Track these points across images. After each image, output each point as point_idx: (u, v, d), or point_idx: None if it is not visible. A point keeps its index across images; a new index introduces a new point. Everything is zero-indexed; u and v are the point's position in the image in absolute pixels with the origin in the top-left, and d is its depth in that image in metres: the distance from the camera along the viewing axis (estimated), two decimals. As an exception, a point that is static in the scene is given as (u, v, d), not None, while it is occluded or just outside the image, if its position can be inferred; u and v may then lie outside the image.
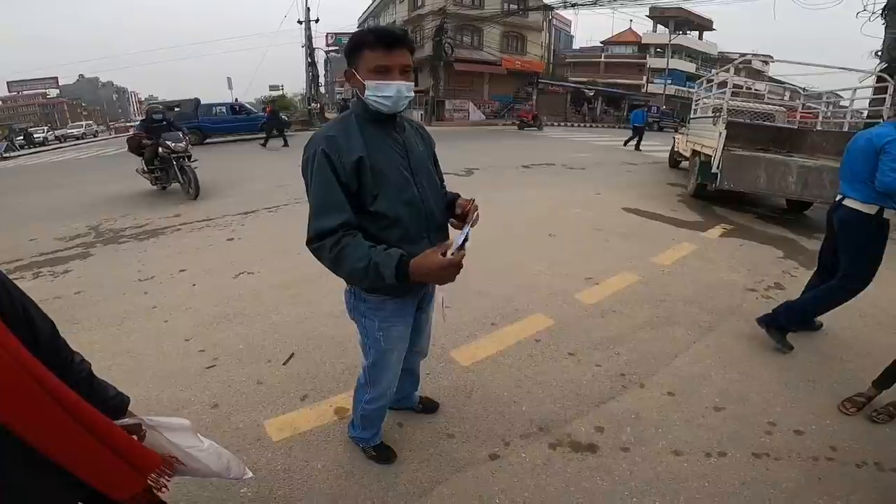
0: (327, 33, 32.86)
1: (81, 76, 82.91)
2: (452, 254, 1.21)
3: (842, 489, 1.74)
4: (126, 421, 0.98)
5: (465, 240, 1.29)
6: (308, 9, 24.42)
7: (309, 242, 1.28)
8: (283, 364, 2.49)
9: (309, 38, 25.37)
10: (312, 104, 24.66)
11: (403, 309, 1.54)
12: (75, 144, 24.52)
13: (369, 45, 1.26)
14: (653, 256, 4.13)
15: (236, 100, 20.09)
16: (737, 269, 3.96)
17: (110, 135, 34.54)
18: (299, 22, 24.81)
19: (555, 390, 2.30)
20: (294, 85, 55.06)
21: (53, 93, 60.96)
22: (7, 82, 53.17)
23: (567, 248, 4.33)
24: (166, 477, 0.97)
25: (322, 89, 22.38)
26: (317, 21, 25.00)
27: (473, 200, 1.50)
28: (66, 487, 0.84)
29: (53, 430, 0.77)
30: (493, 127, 21.13)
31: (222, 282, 3.63)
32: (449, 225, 1.55)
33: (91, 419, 0.83)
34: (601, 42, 41.73)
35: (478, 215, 1.47)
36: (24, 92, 59.10)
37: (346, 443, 1.94)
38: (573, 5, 20.34)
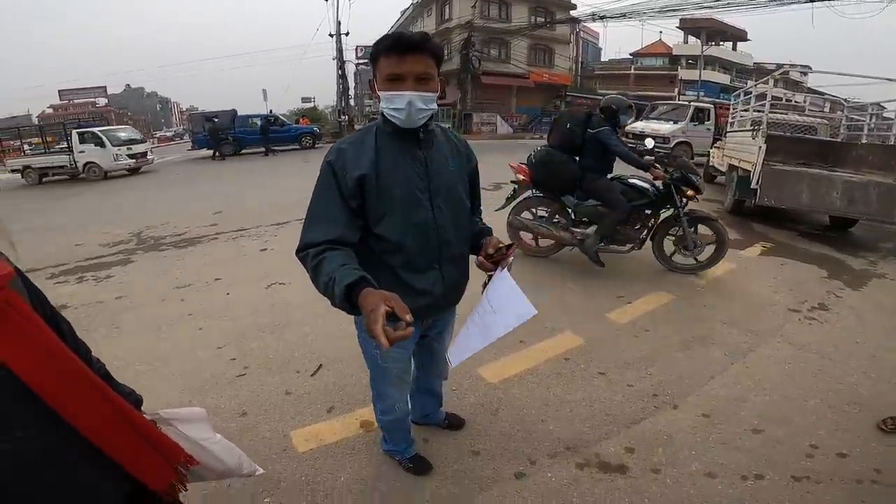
0: (356, 46, 33.79)
1: (128, 86, 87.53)
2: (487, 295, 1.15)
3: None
4: (145, 416, 1.00)
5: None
6: (339, 22, 25.19)
7: (296, 252, 1.22)
8: (312, 375, 2.52)
9: (339, 50, 26.13)
10: (342, 116, 25.29)
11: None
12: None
13: (384, 52, 1.17)
14: (687, 277, 4.00)
15: (270, 111, 20.79)
16: (778, 289, 3.79)
17: (153, 143, 36.02)
18: (330, 35, 25.62)
19: (584, 410, 2.24)
20: (325, 97, 56.71)
21: (102, 101, 64.62)
22: (59, 91, 56.56)
23: (599, 266, 4.25)
24: (187, 469, 0.98)
25: (352, 102, 22.94)
26: (347, 34, 25.75)
27: (513, 245, 1.38)
28: (114, 480, 0.87)
29: (101, 417, 0.81)
30: (521, 140, 21.09)
31: (255, 291, 3.72)
32: (476, 263, 1.41)
33: (125, 406, 0.87)
34: (630, 54, 41.30)
35: (511, 262, 1.35)
36: (75, 101, 62.83)
37: (371, 456, 1.94)
38: (601, 18, 20.23)
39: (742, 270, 4.20)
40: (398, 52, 1.15)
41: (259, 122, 17.71)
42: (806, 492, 1.75)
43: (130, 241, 5.56)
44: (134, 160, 13.42)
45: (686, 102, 15.43)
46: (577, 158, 3.91)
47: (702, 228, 3.89)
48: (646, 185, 3.86)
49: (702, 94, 29.60)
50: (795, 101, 9.81)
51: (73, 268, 4.57)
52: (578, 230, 3.99)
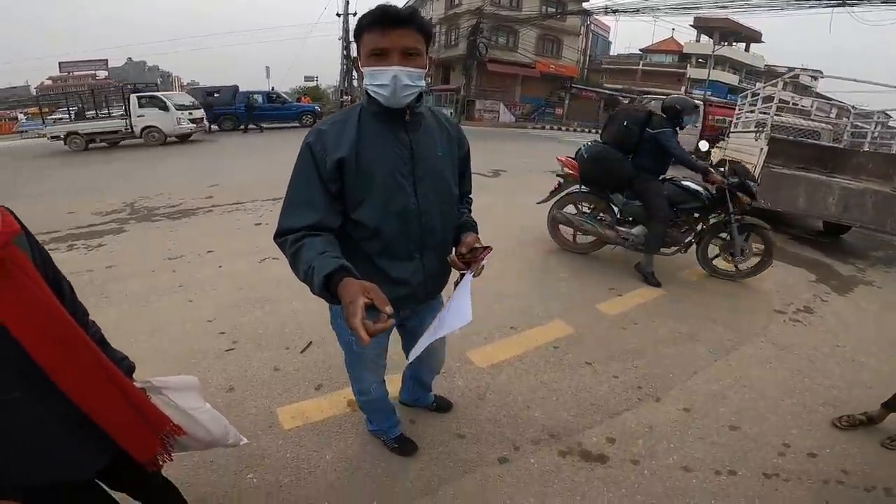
0: (363, 26, 33.21)
1: (130, 59, 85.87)
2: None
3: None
4: (136, 384, 1.00)
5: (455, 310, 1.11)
6: (347, 2, 24.76)
7: (274, 237, 1.18)
8: (301, 352, 2.52)
9: (346, 30, 25.72)
10: (344, 96, 24.99)
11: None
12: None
13: (368, 26, 1.09)
14: (680, 271, 4.02)
15: (273, 88, 20.52)
16: (766, 290, 3.82)
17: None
18: (338, 14, 25.19)
19: (569, 398, 2.27)
20: (329, 77, 55.87)
21: (102, 74, 63.34)
22: (59, 63, 55.42)
23: (592, 258, 4.25)
24: (172, 440, 0.98)
25: (355, 82, 22.69)
26: (354, 14, 25.30)
27: (489, 249, 1.27)
28: (96, 448, 0.88)
29: (94, 384, 0.81)
30: (522, 130, 20.96)
31: (247, 266, 3.71)
32: (448, 259, 1.32)
33: (118, 376, 0.87)
34: (640, 50, 40.91)
35: (483, 267, 1.25)
36: (75, 73, 61.54)
37: (356, 435, 1.95)
38: (614, 12, 19.97)
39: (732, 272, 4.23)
40: (383, 25, 1.07)
41: (260, 99, 17.51)
42: (775, 489, 1.79)
43: (124, 210, 5.51)
44: (195, 125, 13.42)
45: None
46: (630, 157, 3.78)
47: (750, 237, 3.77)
48: (699, 188, 3.74)
49: (709, 93, 29.43)
50: (802, 106, 9.76)
51: (65, 235, 4.53)
52: (623, 229, 3.91)
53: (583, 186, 4.06)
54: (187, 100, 14.29)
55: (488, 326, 2.86)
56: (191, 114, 13.38)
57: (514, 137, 17.21)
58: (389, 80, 1.09)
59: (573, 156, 4.08)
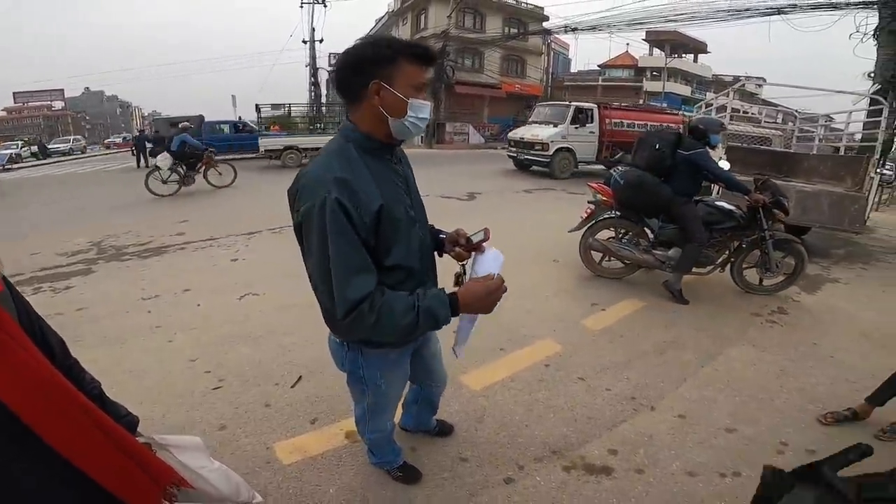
0: (329, 53, 33.49)
1: (87, 89, 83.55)
2: (472, 276, 1.21)
3: None
4: (139, 440, 0.98)
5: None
6: (313, 29, 24.97)
7: (343, 317, 1.07)
8: (292, 387, 2.46)
9: (313, 57, 25.87)
10: (316, 124, 24.97)
11: (403, 355, 1.46)
12: (58, 161, 22.78)
13: (413, 59, 1.11)
14: (655, 282, 4.14)
15: (240, 118, 20.29)
16: (740, 295, 3.97)
17: (102, 150, 31.32)
18: (304, 42, 25.34)
19: (566, 414, 2.29)
20: (295, 103, 55.71)
21: (59, 105, 61.34)
22: (13, 93, 53.48)
23: (572, 274, 4.33)
24: (178, 490, 0.95)
25: (323, 109, 22.70)
26: (321, 41, 25.55)
27: (487, 229, 1.36)
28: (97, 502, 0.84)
29: (84, 438, 0.79)
30: (492, 151, 21.38)
31: (228, 302, 3.61)
32: (452, 255, 1.42)
33: (115, 430, 0.85)
34: (598, 66, 42.71)
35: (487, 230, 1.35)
36: (30, 103, 59.48)
37: (358, 466, 1.91)
38: (573, 30, 20.85)
39: (706, 278, 4.38)
40: (427, 62, 1.15)
41: (226, 129, 17.29)
42: (781, 486, 1.85)
43: (90, 249, 5.28)
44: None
45: (566, 103, 13.20)
46: (663, 180, 3.75)
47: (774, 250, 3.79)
48: (732, 207, 3.76)
49: (664, 104, 30.91)
50: (752, 114, 10.36)
51: (29, 278, 4.31)
52: (660, 252, 3.90)
53: (616, 212, 4.02)
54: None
55: (477, 350, 2.85)
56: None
57: (485, 159, 17.51)
58: (428, 114, 1.15)
59: (605, 182, 4.07)
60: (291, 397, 2.37)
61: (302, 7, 24.23)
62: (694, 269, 3.84)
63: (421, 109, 1.14)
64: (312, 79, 26.47)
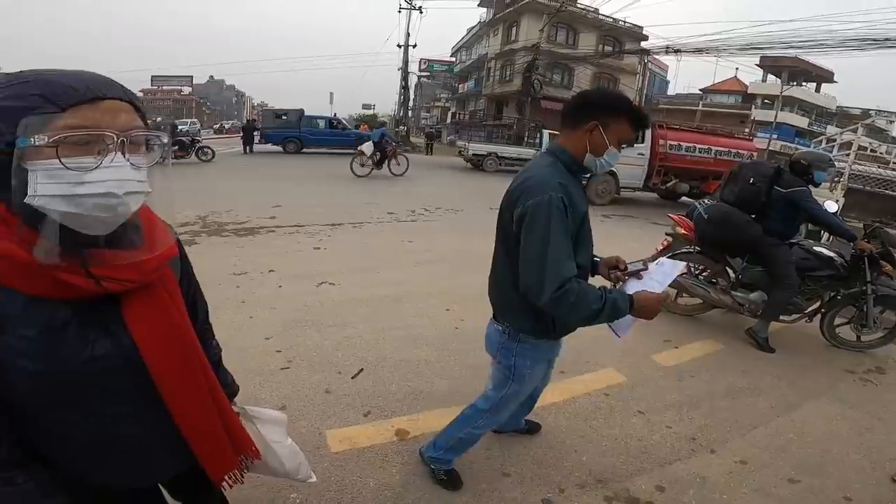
0: (420, 59, 34.75)
1: (211, 77, 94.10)
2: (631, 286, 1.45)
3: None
4: (233, 408, 1.05)
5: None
6: (408, 34, 26.08)
7: (554, 292, 1.27)
8: (352, 378, 2.59)
9: (405, 62, 27.01)
10: (400, 127, 25.98)
11: (553, 348, 1.67)
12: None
13: (630, 119, 1.37)
14: (743, 326, 3.79)
15: (335, 115, 21.59)
16: (832, 348, 3.55)
17: (212, 135, 34.03)
18: (399, 45, 26.54)
19: (618, 445, 2.21)
20: (385, 105, 58.47)
21: (187, 90, 69.70)
22: (152, 76, 61.53)
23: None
24: (249, 462, 1.01)
25: (410, 113, 23.63)
26: (415, 46, 26.63)
27: (647, 263, 1.56)
28: (178, 460, 0.91)
29: (196, 401, 0.85)
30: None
31: (306, 288, 3.88)
32: (613, 277, 1.59)
33: (221, 397, 0.92)
34: (700, 89, 40.00)
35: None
36: (164, 87, 68.12)
37: (401, 465, 1.96)
38: (675, 52, 19.73)
39: (800, 327, 3.93)
40: (640, 126, 1.43)
41: (322, 124, 18.51)
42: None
43: (197, 223, 5.95)
44: None
45: None
46: (754, 217, 3.45)
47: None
48: (832, 254, 3.41)
49: (775, 136, 28.11)
50: (880, 153, 9.11)
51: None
52: (740, 294, 3.60)
53: (696, 248, 3.74)
54: None
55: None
56: None
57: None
58: (615, 162, 1.42)
59: (686, 214, 3.85)
60: (350, 388, 2.49)
61: (399, 12, 25.44)
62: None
63: (613, 157, 1.41)
64: (403, 82, 27.59)
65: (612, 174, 10.20)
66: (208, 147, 14.00)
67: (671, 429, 2.36)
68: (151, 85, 64.91)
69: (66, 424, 0.76)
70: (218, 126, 38.06)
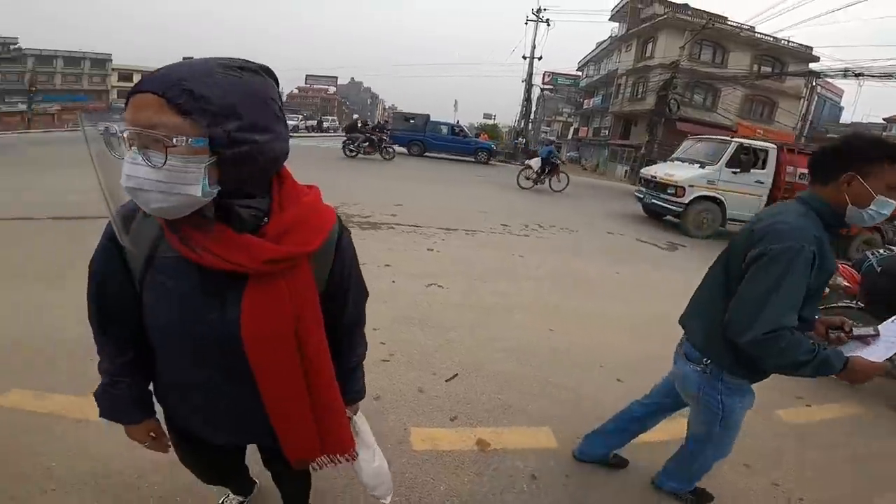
0: (545, 71, 34.25)
1: (352, 79, 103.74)
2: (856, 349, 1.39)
3: None
4: (347, 412, 1.10)
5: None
6: (534, 46, 25.94)
7: (764, 334, 1.24)
8: (447, 381, 2.71)
9: (530, 74, 26.89)
10: (519, 138, 25.97)
11: (752, 392, 1.61)
12: (325, 136, 29.01)
13: (891, 160, 1.24)
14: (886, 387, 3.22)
15: (457, 122, 22.38)
16: None
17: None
18: (524, 57, 26.54)
19: (714, 491, 2.04)
20: (506, 116, 58.80)
21: (332, 90, 77.74)
22: (306, 75, 69.42)
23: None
24: (346, 461, 1.08)
25: (530, 126, 23.53)
26: (540, 59, 26.41)
27: (879, 329, 1.47)
28: (268, 435, 0.97)
29: (287, 392, 0.91)
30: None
31: (416, 287, 4.14)
32: (830, 337, 1.53)
33: (323, 397, 0.96)
34: (884, 119, 33.22)
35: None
36: (315, 86, 76.79)
37: (474, 474, 1.98)
38: (857, 75, 16.62)
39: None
40: None
41: (445, 130, 19.30)
42: None
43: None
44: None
45: (727, 137, 9.76)
46: None
47: None
48: None
49: None
50: None
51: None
52: None
53: (858, 303, 3.32)
54: None
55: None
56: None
57: (628, 197, 15.48)
58: (890, 212, 1.29)
59: (852, 263, 3.43)
60: (442, 390, 2.62)
61: (526, 24, 25.42)
62: None
63: (885, 206, 1.28)
64: (526, 94, 27.52)
65: (719, 202, 8.55)
66: (392, 147, 15.82)
67: (778, 486, 2.18)
68: (305, 83, 73.48)
69: (165, 359, 0.92)
70: (316, 122, 39.75)
